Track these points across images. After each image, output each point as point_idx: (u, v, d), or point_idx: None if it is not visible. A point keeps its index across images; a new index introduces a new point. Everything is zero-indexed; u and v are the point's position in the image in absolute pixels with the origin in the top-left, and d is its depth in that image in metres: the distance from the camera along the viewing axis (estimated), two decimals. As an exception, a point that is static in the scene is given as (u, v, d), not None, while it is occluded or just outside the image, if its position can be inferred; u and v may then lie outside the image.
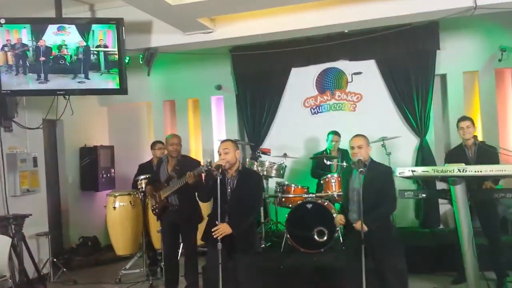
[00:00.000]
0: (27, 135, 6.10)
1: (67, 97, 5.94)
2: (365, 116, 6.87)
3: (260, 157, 6.16)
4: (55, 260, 6.02)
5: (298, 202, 5.62)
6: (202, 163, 4.65)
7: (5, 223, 5.29)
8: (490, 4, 5.07)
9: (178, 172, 4.82)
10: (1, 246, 4.67)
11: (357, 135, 4.09)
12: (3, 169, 5.74)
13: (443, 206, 6.36)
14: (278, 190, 5.92)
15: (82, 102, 7.07)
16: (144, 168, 6.03)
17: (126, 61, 6.23)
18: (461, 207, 4.38)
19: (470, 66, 6.58)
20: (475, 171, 4.27)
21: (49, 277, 5.89)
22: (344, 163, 5.73)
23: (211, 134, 7.63)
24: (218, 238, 3.72)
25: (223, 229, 3.77)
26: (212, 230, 3.78)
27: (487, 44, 6.46)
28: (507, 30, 6.36)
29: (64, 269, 6.02)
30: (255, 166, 5.89)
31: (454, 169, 4.33)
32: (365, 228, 3.71)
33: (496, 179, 4.64)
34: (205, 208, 5.04)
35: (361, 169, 3.76)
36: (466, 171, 4.27)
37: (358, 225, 3.75)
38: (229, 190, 3.93)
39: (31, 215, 5.51)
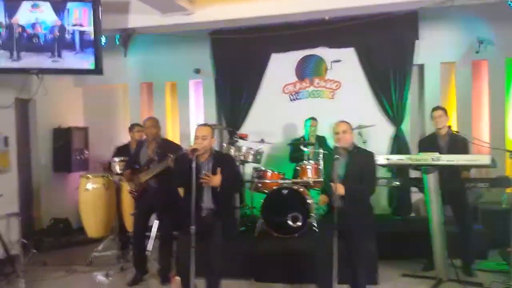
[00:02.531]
0: (-3, 114, 5.94)
1: (40, 76, 5.81)
2: (343, 104, 6.88)
3: (237, 142, 6.14)
4: (25, 241, 5.89)
5: (274, 188, 5.62)
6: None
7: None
8: (468, -5, 5.12)
9: (159, 155, 4.76)
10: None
11: (341, 121, 4.09)
12: (-28, 149, 5.59)
13: (415, 195, 6.45)
14: (255, 175, 5.91)
15: (56, 82, 6.93)
16: (121, 151, 5.90)
17: (103, 41, 6.12)
18: (433, 195, 4.47)
19: (448, 57, 6.64)
20: (448, 160, 4.35)
21: (19, 258, 5.77)
22: (321, 150, 5.77)
23: (188, 118, 7.55)
24: (192, 224, 3.63)
25: (213, 178, 3.75)
26: (205, 174, 3.76)
27: (465, 36, 6.52)
28: (485, 22, 6.43)
29: (35, 251, 5.91)
30: (232, 151, 5.86)
31: (428, 158, 4.40)
32: (342, 190, 3.76)
33: (467, 169, 4.71)
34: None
35: (336, 156, 3.78)
36: (439, 160, 4.35)
37: (334, 185, 3.78)
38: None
39: (1, 195, 5.39)
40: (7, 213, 5.82)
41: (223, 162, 3.96)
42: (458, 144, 4.76)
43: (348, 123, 4.06)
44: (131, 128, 6.00)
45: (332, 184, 3.84)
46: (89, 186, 5.79)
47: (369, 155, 4.09)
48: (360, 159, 3.96)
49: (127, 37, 6.59)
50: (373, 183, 4.12)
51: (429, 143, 4.91)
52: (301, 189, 5.52)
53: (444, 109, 4.91)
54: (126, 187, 5.35)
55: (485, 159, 4.25)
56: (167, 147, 4.87)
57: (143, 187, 4.86)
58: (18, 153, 6.34)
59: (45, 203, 6.94)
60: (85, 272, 5.43)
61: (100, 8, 5.62)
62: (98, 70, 5.84)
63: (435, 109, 4.93)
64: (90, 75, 6.81)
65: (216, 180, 3.77)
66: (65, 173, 7.26)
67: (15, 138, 6.26)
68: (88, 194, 5.80)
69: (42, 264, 5.74)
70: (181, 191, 4.27)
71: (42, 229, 6.72)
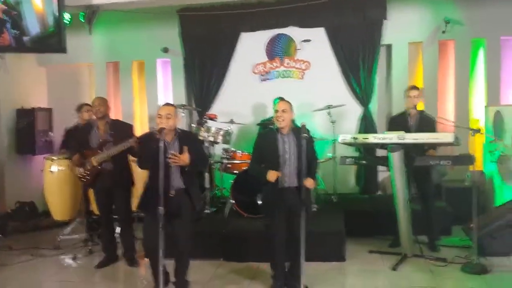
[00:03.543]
0: (-44, 94, 5.72)
1: (2, 55, 5.60)
2: (313, 84, 6.89)
3: (207, 122, 6.08)
4: (-11, 225, 5.77)
5: (243, 168, 5.62)
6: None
7: None
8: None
9: (114, 136, 4.66)
10: None
11: (282, 100, 4.14)
12: None
13: (382, 173, 6.57)
14: (224, 156, 5.90)
15: (19, 61, 6.69)
16: (71, 132, 5.76)
17: (68, 19, 5.92)
18: (398, 174, 4.54)
19: (415, 37, 6.69)
20: (413, 139, 4.42)
21: (-18, 243, 5.66)
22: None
23: (156, 98, 7.41)
24: (160, 205, 3.59)
25: (182, 158, 3.73)
26: (172, 153, 3.73)
27: (432, 16, 6.58)
28: (451, 1, 6.50)
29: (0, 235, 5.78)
30: (201, 131, 5.81)
31: (393, 136, 4.46)
32: (313, 184, 3.90)
33: (433, 147, 4.80)
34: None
35: (304, 134, 3.80)
36: (404, 138, 4.42)
37: (309, 182, 3.85)
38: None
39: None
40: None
41: (189, 140, 3.93)
42: (427, 123, 4.85)
43: (288, 102, 4.04)
44: (79, 108, 5.80)
45: (307, 182, 3.84)
46: (54, 168, 5.67)
47: (309, 134, 4.10)
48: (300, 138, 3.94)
49: (92, 14, 6.40)
50: (317, 161, 4.28)
51: (399, 122, 4.99)
52: (271, 169, 5.53)
53: (419, 89, 4.97)
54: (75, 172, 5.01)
55: (448, 137, 4.33)
56: (120, 127, 4.78)
57: (97, 171, 4.70)
58: (-20, 134, 6.15)
59: (9, 186, 6.76)
60: (52, 255, 5.34)
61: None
62: (61, 48, 5.67)
63: (412, 88, 4.98)
64: (54, 54, 6.58)
65: (185, 158, 3.75)
66: (29, 155, 7.07)
67: (-24, 119, 6.07)
68: (53, 176, 5.68)
69: (8, 248, 5.61)
70: (138, 170, 4.23)
71: (6, 212, 6.55)
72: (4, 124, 6.78)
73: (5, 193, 6.71)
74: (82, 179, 4.82)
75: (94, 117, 4.89)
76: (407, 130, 4.75)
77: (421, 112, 4.98)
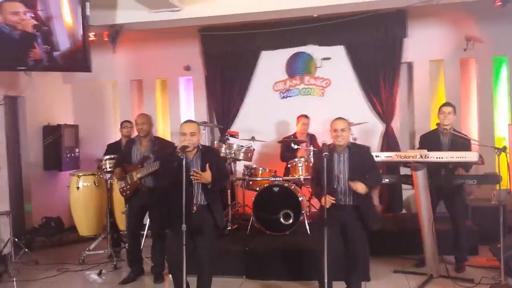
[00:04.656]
0: (-14, 111, 5.89)
1: (28, 73, 5.74)
2: (333, 101, 6.90)
3: (228, 140, 6.14)
4: (16, 240, 5.85)
5: (265, 185, 5.64)
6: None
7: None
8: (456, -7, 5.17)
9: (156, 153, 4.76)
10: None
11: (340, 118, 4.00)
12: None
13: (406, 192, 6.51)
14: (246, 173, 5.93)
15: (45, 79, 6.87)
16: (113, 148, 5.86)
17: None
18: (422, 192, 4.51)
19: (436, 55, 6.69)
20: (437, 158, 4.40)
21: (10, 257, 5.72)
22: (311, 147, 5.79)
23: (179, 116, 7.51)
24: (183, 223, 3.62)
25: (204, 176, 3.76)
26: (193, 170, 3.76)
27: (453, 34, 6.58)
28: (472, 20, 6.49)
29: (26, 249, 5.87)
30: (223, 148, 5.86)
31: (416, 155, 4.45)
32: (364, 188, 3.76)
33: (466, 166, 4.73)
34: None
35: (325, 153, 3.76)
36: (427, 157, 4.39)
37: (357, 185, 3.77)
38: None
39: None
40: (-2, 211, 5.80)
41: (211, 156, 3.97)
42: (461, 142, 4.72)
43: (346, 120, 3.99)
44: (121, 124, 6.01)
45: (350, 183, 3.81)
46: (80, 184, 5.78)
47: (366, 149, 4.11)
48: (359, 154, 3.96)
49: (115, 34, 6.55)
50: (380, 174, 4.19)
51: (431, 139, 4.87)
52: (292, 187, 5.55)
53: (453, 106, 4.85)
54: (117, 185, 5.31)
55: (472, 156, 4.31)
56: (162, 145, 4.88)
57: (136, 186, 4.81)
58: (8, 151, 6.29)
59: (36, 201, 6.88)
60: (77, 271, 5.42)
61: (87, 4, 5.58)
62: (86, 66, 5.79)
63: (445, 105, 4.87)
64: (79, 72, 6.75)
65: (207, 176, 3.79)
66: (56, 171, 7.21)
67: (5, 136, 6.21)
68: (79, 192, 5.79)
69: (34, 263, 5.72)
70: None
71: (33, 228, 6.67)
72: (31, 140, 6.93)
73: (32, 209, 6.83)
74: (123, 193, 4.91)
75: (133, 133, 5.00)
76: (439, 148, 4.70)
77: (454, 130, 4.83)
